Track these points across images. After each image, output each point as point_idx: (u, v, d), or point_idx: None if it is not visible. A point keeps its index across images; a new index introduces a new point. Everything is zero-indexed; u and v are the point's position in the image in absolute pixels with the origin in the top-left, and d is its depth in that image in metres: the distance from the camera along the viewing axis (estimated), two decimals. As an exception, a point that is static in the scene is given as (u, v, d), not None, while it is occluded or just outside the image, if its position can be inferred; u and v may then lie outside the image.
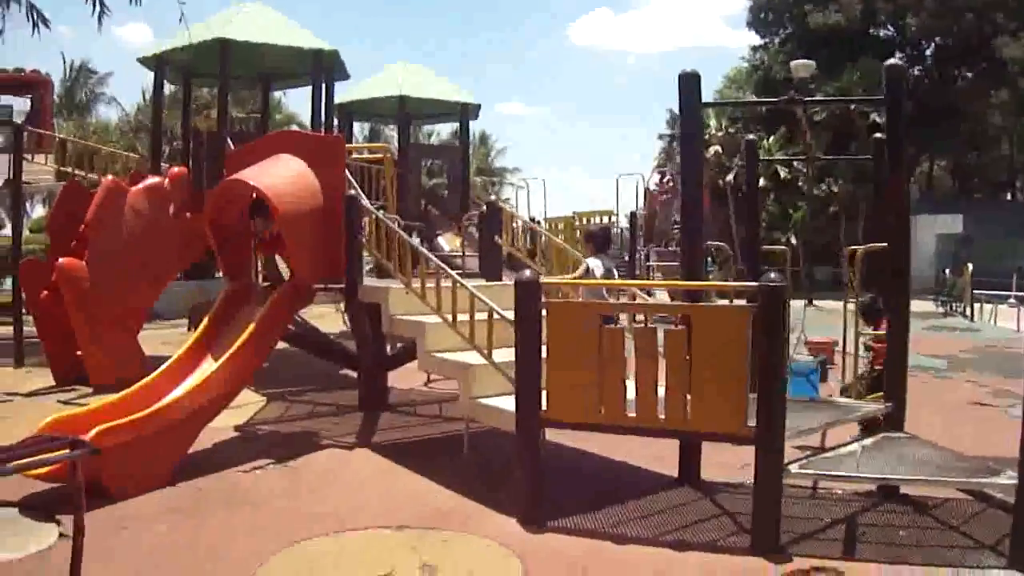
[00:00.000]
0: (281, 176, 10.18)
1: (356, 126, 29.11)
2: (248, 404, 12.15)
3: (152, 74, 16.86)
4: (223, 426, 10.39)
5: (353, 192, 10.47)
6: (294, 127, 37.19)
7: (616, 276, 9.32)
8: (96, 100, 54.17)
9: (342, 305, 16.10)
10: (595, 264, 9.24)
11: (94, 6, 6.92)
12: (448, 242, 16.05)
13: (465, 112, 19.75)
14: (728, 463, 8.27)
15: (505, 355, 7.87)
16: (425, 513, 7.55)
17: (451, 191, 20.22)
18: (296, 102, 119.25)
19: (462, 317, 8.47)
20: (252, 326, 9.71)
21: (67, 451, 4.67)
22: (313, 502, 7.96)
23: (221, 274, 11.35)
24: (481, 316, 8.23)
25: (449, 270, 8.76)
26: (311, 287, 10.75)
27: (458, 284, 8.52)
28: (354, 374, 13.41)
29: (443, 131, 55.01)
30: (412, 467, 9.06)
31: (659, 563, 6.31)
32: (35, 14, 6.70)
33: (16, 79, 26.51)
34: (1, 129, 24.67)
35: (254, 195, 10.38)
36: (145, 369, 12.65)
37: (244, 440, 10.59)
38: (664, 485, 8.23)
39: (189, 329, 23.83)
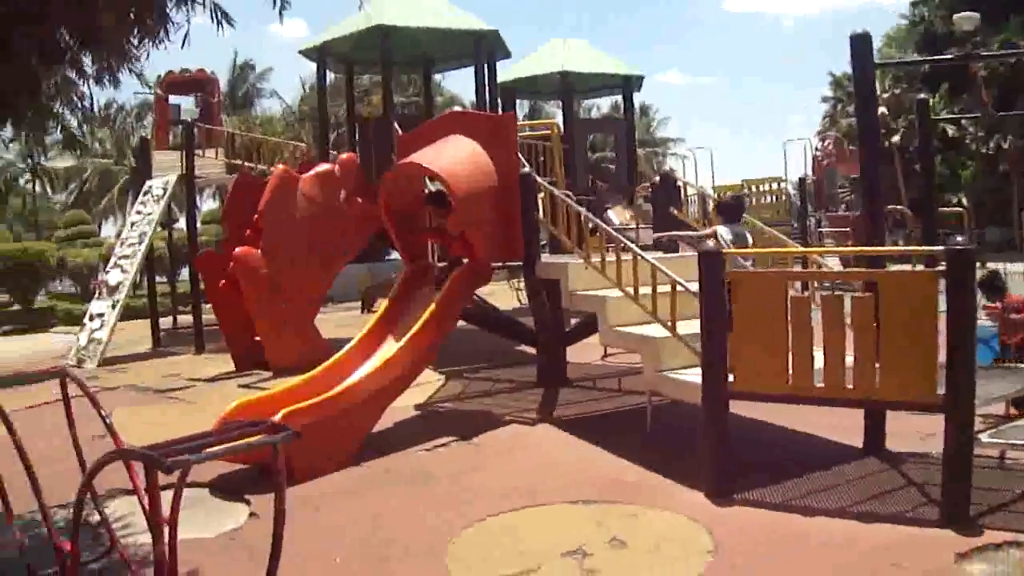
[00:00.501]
0: (455, 157, 10.33)
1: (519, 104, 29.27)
2: (427, 383, 12.39)
3: (314, 65, 17.30)
4: (404, 405, 10.61)
5: (527, 169, 10.53)
6: (456, 108, 37.56)
7: (749, 243, 9.13)
8: (258, 95, 55.99)
9: (516, 282, 16.35)
10: (723, 231, 9.10)
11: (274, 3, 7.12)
12: (617, 215, 16.00)
13: (628, 84, 19.60)
14: (908, 433, 8.10)
15: (687, 327, 7.86)
16: (611, 487, 7.58)
17: (617, 164, 20.13)
18: (456, 83, 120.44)
19: (643, 291, 8.45)
20: (432, 307, 9.92)
21: (268, 436, 4.77)
22: (498, 478, 8.09)
23: (399, 256, 11.56)
24: (662, 288, 8.21)
25: (630, 243, 8.75)
26: (489, 266, 10.88)
27: (639, 257, 8.48)
28: (531, 350, 13.51)
29: (603, 105, 54.93)
30: (595, 441, 9.09)
31: (848, 535, 6.20)
32: (219, 13, 6.92)
33: (188, 79, 27.54)
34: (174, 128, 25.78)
35: (427, 180, 10.56)
36: (323, 352, 13.07)
37: (425, 419, 10.82)
38: (849, 456, 8.07)
39: (362, 311, 24.54)
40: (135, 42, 6.79)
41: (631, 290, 8.59)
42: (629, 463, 8.26)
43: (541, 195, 10.64)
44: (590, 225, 9.91)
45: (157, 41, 6.78)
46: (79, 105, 7.89)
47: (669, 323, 8.07)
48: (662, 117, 67.74)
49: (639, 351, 8.77)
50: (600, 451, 8.78)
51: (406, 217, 11.19)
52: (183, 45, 6.91)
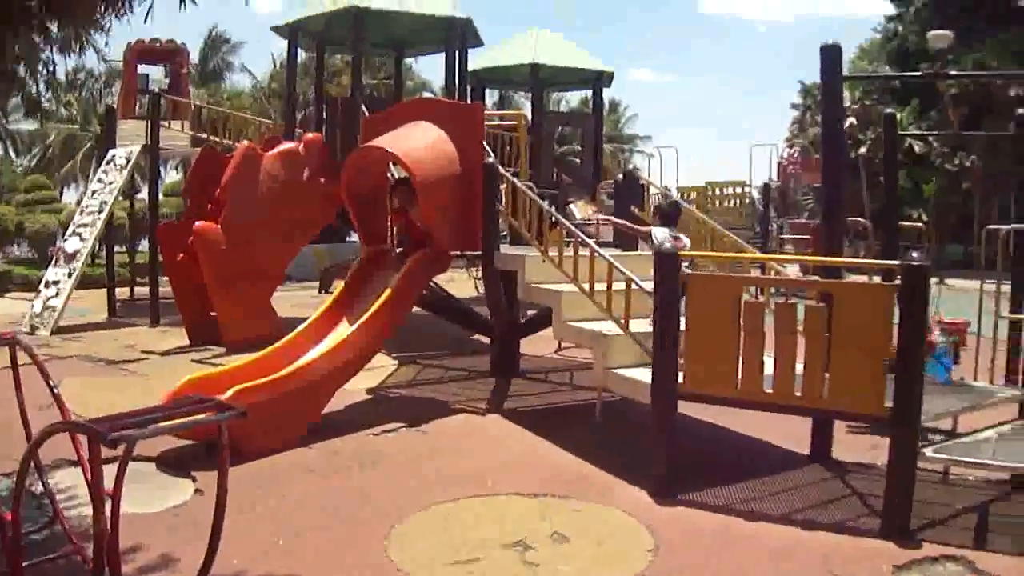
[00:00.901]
0: (419, 142, 10.32)
1: (488, 93, 29.27)
2: (380, 368, 12.40)
3: (285, 42, 17.20)
4: (356, 389, 10.64)
5: (492, 159, 10.52)
6: (426, 94, 37.50)
7: (685, 246, 9.19)
8: (228, 68, 55.55)
9: (474, 271, 16.34)
10: (658, 232, 9.15)
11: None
12: (580, 210, 16.04)
13: (599, 79, 19.62)
14: (857, 443, 8.18)
15: (640, 326, 7.89)
16: (556, 481, 7.60)
17: (583, 159, 20.16)
18: (428, 69, 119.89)
19: (598, 287, 8.45)
20: (388, 291, 9.89)
21: (215, 414, 4.76)
22: (445, 466, 8.09)
23: (358, 239, 11.54)
24: (618, 286, 8.22)
25: (587, 239, 8.75)
26: (448, 254, 10.88)
27: (596, 253, 8.50)
28: (486, 340, 13.56)
29: (572, 99, 54.95)
30: (544, 434, 9.13)
31: (788, 542, 6.24)
32: (183, -11, 6.86)
33: (157, 48, 27.19)
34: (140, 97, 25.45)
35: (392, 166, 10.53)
36: (277, 330, 13.03)
37: (376, 403, 10.83)
38: (796, 463, 8.13)
39: (320, 292, 24.45)
40: (100, 10, 6.71)
41: (586, 286, 8.58)
42: (576, 458, 8.29)
43: (504, 186, 10.61)
44: (551, 219, 9.90)
45: (121, 13, 6.70)
46: (43, 71, 7.79)
47: (622, 320, 8.08)
48: (631, 114, 67.69)
49: (591, 347, 8.79)
50: (548, 444, 8.82)
51: (367, 200, 11.17)
52: (146, 19, 6.83)
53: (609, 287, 8.27)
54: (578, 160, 20.73)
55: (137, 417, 4.46)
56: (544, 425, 9.51)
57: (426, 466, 8.09)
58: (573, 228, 9.11)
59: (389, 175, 11.71)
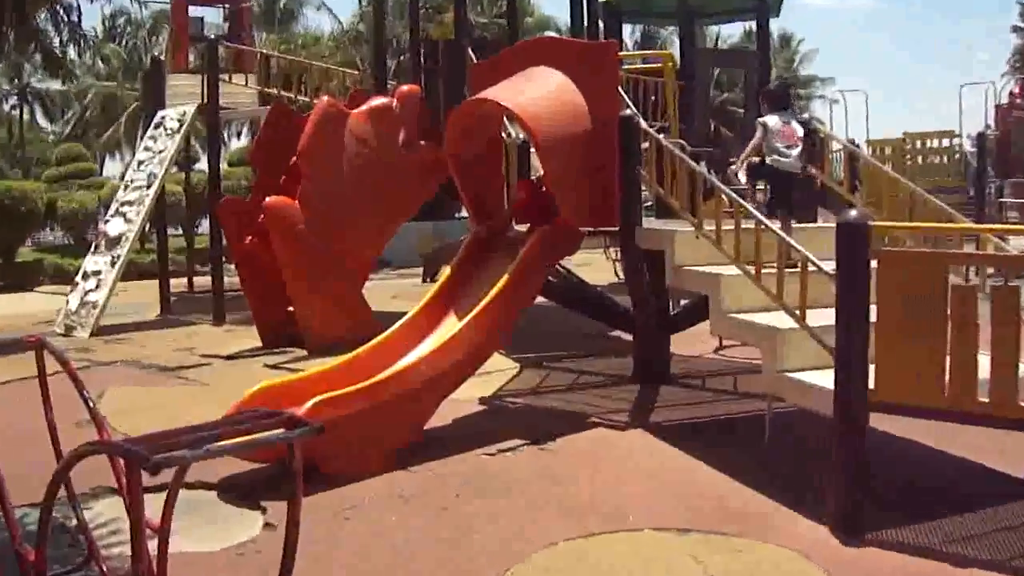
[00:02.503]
0: (538, 93, 10.47)
1: (626, 29, 29.16)
2: (496, 371, 12.65)
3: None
4: (466, 398, 10.89)
5: (629, 112, 10.59)
6: (548, 33, 37.51)
7: (799, 134, 9.14)
8: (302, 7, 56.30)
9: (614, 251, 16.40)
10: (772, 120, 9.10)
11: None
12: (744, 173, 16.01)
13: (764, 7, 19.48)
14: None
15: (822, 317, 7.73)
16: (713, 512, 7.62)
17: (747, 108, 20.06)
18: (550, 1, 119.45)
19: (767, 269, 8.41)
20: (505, 278, 10.09)
21: (283, 431, 4.78)
22: (575, 494, 8.19)
23: (466, 215, 11.67)
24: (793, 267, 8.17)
25: (752, 209, 8.75)
26: (578, 231, 11.02)
27: (763, 227, 8.47)
28: (628, 337, 13.58)
29: (731, 34, 54.54)
30: (698, 454, 9.16)
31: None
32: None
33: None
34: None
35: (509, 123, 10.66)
36: (369, 328, 13.24)
37: (491, 415, 11.08)
38: (1017, 492, 7.95)
39: (424, 280, 24.80)
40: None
41: (752, 268, 8.57)
42: (739, 483, 8.29)
43: (645, 145, 10.62)
44: (707, 185, 9.90)
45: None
46: (65, 19, 8.04)
47: (797, 311, 7.97)
48: (807, 50, 66.88)
49: (758, 345, 8.71)
50: (704, 467, 8.84)
51: (477, 167, 11.38)
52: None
53: (780, 267, 8.18)
54: (741, 110, 20.55)
55: (188, 435, 4.49)
56: (699, 443, 9.55)
57: (551, 493, 8.20)
58: (731, 193, 9.12)
59: (505, 135, 11.84)
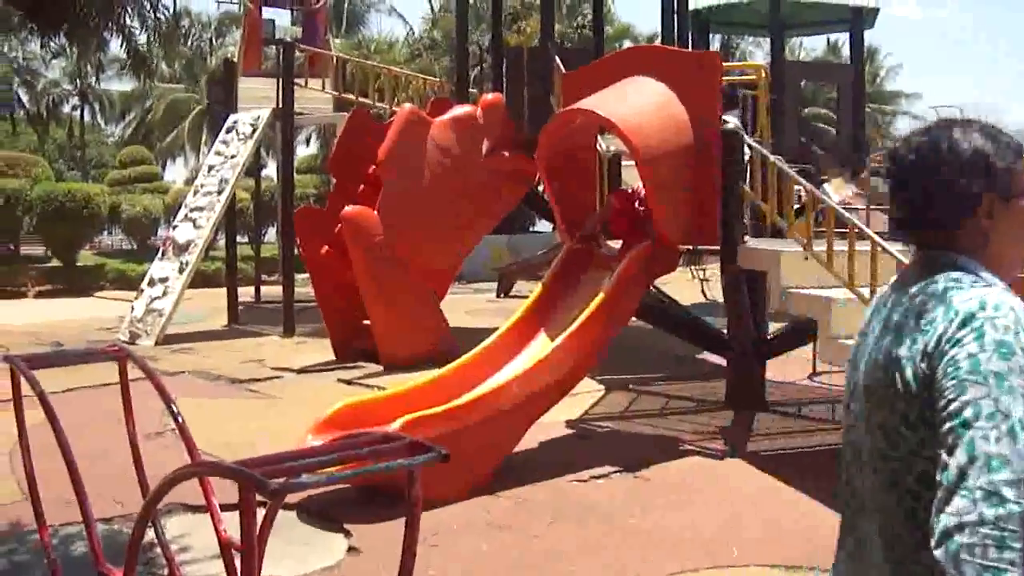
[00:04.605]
0: (640, 105, 10.37)
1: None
2: (583, 393, 12.41)
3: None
4: (552, 420, 10.71)
5: (734, 125, 10.47)
6: (627, 43, 37.49)
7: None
8: (368, 10, 56.47)
9: (699, 269, 16.29)
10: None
11: None
12: (836, 190, 15.84)
13: (858, 17, 19.30)
14: None
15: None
16: (818, 548, 7.29)
17: (839, 123, 19.85)
18: (629, 11, 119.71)
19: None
20: (600, 296, 9.95)
21: (405, 458, 4.60)
22: (671, 525, 8.07)
23: (558, 230, 11.56)
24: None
25: (868, 230, 8.61)
26: (676, 249, 10.91)
27: (880, 248, 8.34)
28: (717, 359, 13.53)
29: (814, 47, 54.31)
30: (800, 486, 8.99)
31: None
32: None
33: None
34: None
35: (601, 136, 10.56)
36: (447, 345, 13.19)
37: (579, 439, 10.94)
38: None
39: (498, 295, 24.77)
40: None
41: (866, 291, 8.43)
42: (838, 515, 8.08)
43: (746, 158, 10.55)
44: (805, 202, 9.77)
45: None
46: (151, 13, 7.99)
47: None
48: (892, 64, 66.36)
49: (868, 372, 8.56)
50: (806, 499, 8.68)
51: (570, 180, 11.28)
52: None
53: None
54: (825, 125, 20.36)
55: (298, 459, 4.34)
56: (799, 474, 9.37)
57: (646, 524, 8.09)
58: (846, 214, 8.98)
59: (599, 147, 11.75)
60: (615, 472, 9.49)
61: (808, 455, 10.35)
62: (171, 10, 8.13)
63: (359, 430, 7.30)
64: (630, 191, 11.13)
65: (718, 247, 10.69)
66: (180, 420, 5.65)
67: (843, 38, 57.20)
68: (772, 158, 10.10)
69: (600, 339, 10.03)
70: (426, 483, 7.95)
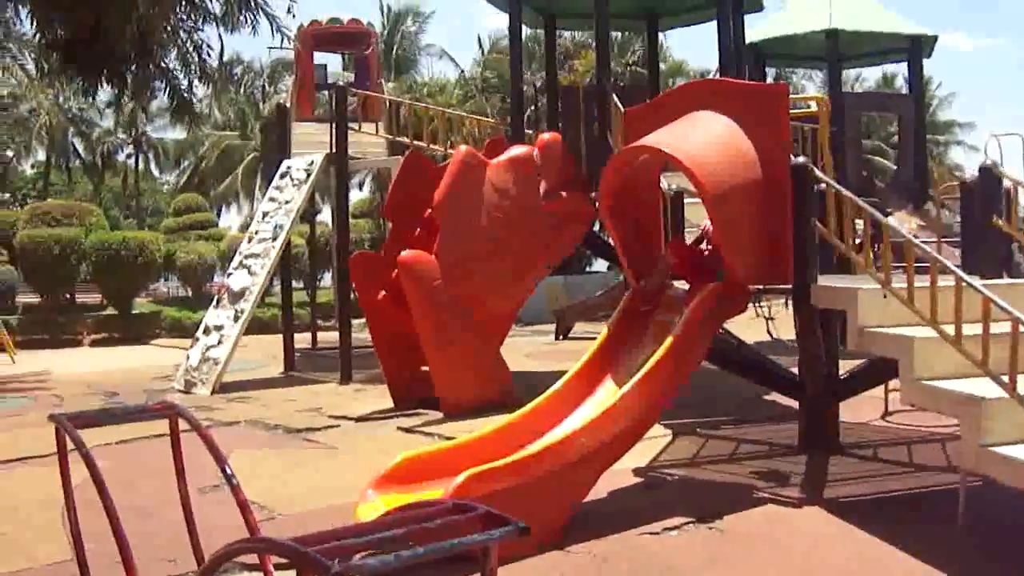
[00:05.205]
0: (705, 140, 10.08)
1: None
2: (649, 439, 11.98)
3: (498, 16, 17.45)
4: (620, 469, 10.29)
5: (803, 159, 10.17)
6: (680, 80, 37.48)
7: None
8: (419, 52, 56.73)
9: (764, 308, 15.98)
10: None
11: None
12: (900, 223, 15.55)
13: (917, 46, 19.11)
14: None
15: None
16: None
17: (901, 155, 19.59)
18: (680, 47, 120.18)
19: (968, 330, 7.98)
20: (670, 339, 9.58)
21: (483, 533, 4.17)
22: (753, 578, 7.71)
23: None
24: (996, 329, 7.73)
25: (951, 265, 8.28)
26: (746, 289, 10.56)
27: (964, 283, 8.02)
28: (786, 401, 13.25)
29: (866, 78, 54.10)
30: (886, 537, 8.55)
31: None
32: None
33: (337, 31, 27.79)
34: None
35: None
36: (508, 390, 12.92)
37: (648, 489, 10.59)
38: None
39: (557, 337, 24.58)
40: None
41: (950, 329, 8.11)
42: (936, 570, 7.68)
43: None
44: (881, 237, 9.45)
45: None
46: (196, 57, 7.84)
47: (1006, 378, 7.57)
48: (945, 94, 65.98)
49: (955, 414, 8.31)
50: (893, 550, 8.24)
51: (634, 219, 10.97)
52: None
53: (985, 329, 7.80)
54: (877, 157, 20.08)
55: (362, 535, 4.03)
56: (884, 523, 8.95)
57: (727, 581, 7.71)
58: (927, 250, 8.66)
59: (663, 186, 11.49)
60: (689, 523, 9.09)
61: (890, 501, 9.90)
62: (219, 53, 7.94)
63: (425, 498, 7.08)
64: (701, 228, 10.89)
65: (789, 286, 10.42)
66: (235, 482, 5.39)
67: (896, 69, 57.27)
68: (847, 193, 9.77)
69: (670, 384, 9.67)
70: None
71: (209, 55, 7.99)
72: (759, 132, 10.17)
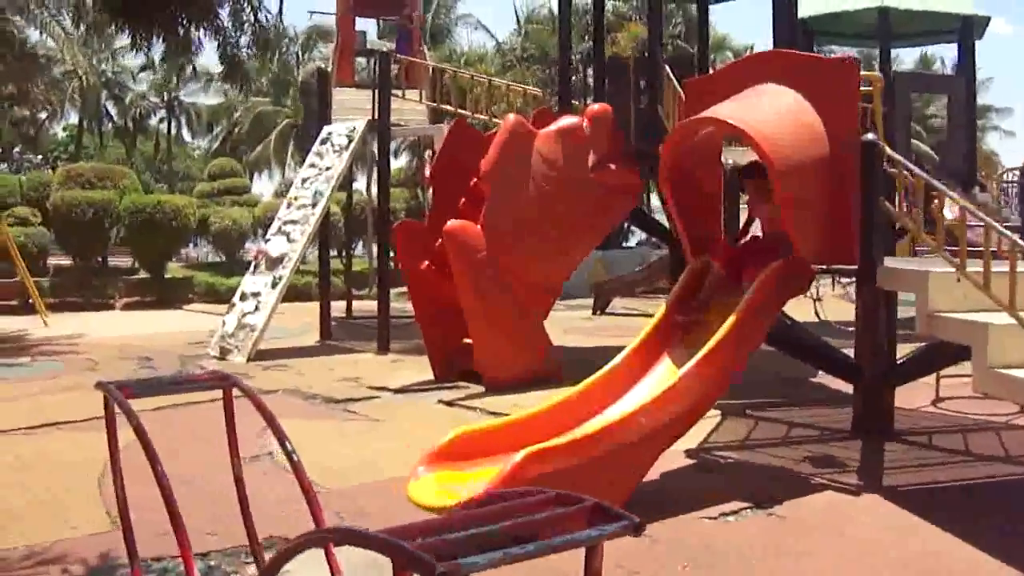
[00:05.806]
0: (772, 113, 9.83)
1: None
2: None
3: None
4: (672, 450, 9.93)
5: (873, 136, 9.88)
6: (727, 55, 37.23)
7: None
8: (455, 23, 56.52)
9: (813, 289, 15.70)
10: None
11: None
12: (948, 206, 15.28)
13: (968, 28, 18.76)
14: None
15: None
16: None
17: (950, 137, 19.24)
18: (724, 20, 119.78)
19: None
20: (732, 318, 9.29)
21: (592, 530, 3.67)
22: (818, 570, 7.46)
23: (685, 248, 11.00)
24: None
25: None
26: (811, 268, 10.28)
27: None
28: (837, 384, 13.08)
29: (903, 59, 53.61)
30: (947, 526, 8.27)
31: None
32: None
33: (378, -1, 27.58)
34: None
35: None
36: (552, 365, 12.65)
37: (702, 471, 10.33)
38: None
39: (594, 313, 24.35)
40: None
41: (1028, 317, 7.82)
42: (1003, 564, 7.38)
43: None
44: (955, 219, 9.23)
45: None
46: (251, 19, 7.59)
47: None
48: (983, 78, 65.39)
49: (1027, 404, 8.02)
50: (960, 544, 7.91)
51: (694, 194, 10.71)
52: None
53: None
54: (916, 142, 19.78)
55: (459, 528, 3.51)
56: (945, 510, 8.68)
57: (788, 569, 7.46)
58: (1005, 231, 8.34)
59: (724, 160, 11.21)
60: (746, 509, 8.82)
61: (947, 489, 9.60)
62: (277, 14, 7.67)
63: (479, 476, 6.82)
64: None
65: (854, 266, 10.16)
66: (295, 459, 5.09)
67: (934, 51, 56.71)
68: (920, 172, 9.49)
69: (733, 364, 9.41)
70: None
71: (267, 16, 7.68)
72: (827, 107, 9.92)
